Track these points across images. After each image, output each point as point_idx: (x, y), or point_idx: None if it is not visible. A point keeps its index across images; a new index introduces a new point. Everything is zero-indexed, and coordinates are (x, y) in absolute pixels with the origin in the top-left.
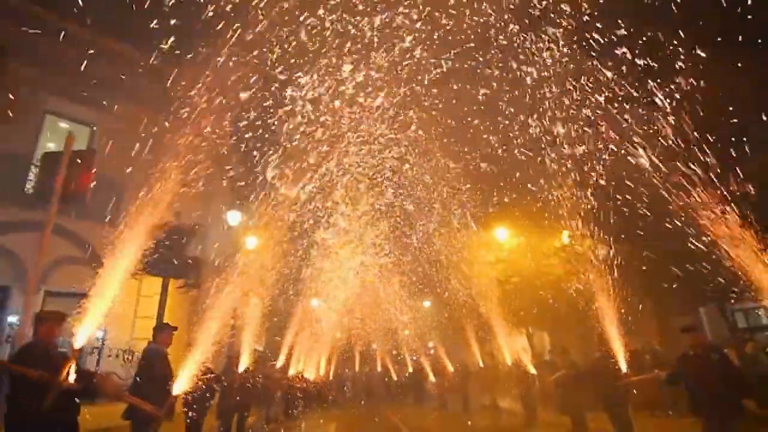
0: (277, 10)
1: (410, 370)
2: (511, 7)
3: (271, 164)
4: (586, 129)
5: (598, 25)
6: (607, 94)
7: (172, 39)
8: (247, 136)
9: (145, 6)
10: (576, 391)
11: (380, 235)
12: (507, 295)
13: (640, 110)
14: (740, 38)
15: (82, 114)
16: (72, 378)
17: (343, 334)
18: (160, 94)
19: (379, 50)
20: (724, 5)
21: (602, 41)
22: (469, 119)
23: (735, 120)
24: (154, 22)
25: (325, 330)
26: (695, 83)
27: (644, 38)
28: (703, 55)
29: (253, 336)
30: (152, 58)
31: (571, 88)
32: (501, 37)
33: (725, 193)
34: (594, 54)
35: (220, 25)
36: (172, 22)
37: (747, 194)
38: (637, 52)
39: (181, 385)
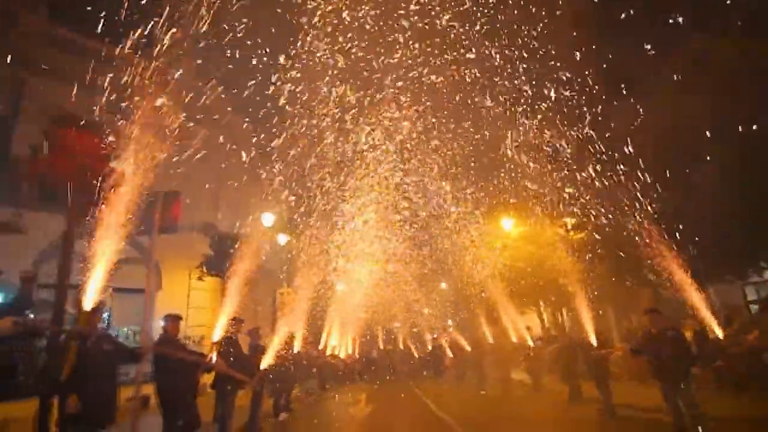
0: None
1: (429, 347)
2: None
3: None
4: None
5: None
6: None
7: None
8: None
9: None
10: (571, 363)
11: (398, 225)
12: (513, 278)
13: None
14: None
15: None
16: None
17: (368, 316)
18: (192, 105)
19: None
20: None
21: None
22: (474, 131)
23: None
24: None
25: (352, 312)
26: None
27: None
28: None
29: (298, 321)
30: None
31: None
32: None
33: None
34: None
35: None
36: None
37: None
38: None
39: (266, 362)
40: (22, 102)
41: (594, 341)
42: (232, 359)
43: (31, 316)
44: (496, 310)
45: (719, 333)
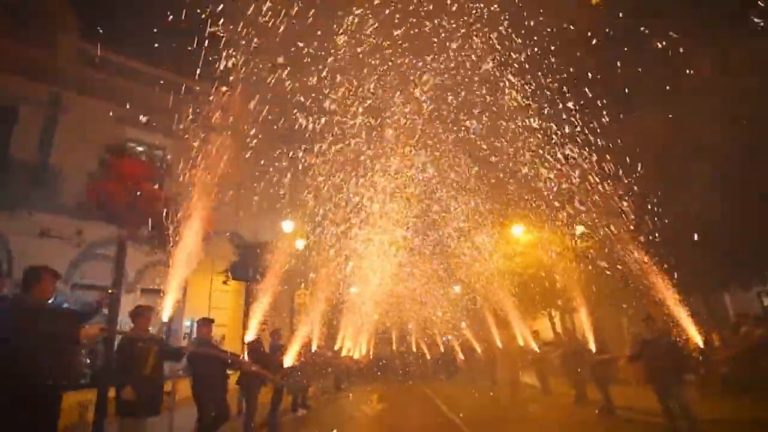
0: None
1: (441, 350)
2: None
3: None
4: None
5: None
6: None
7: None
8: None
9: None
10: (577, 366)
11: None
12: (524, 283)
13: None
14: None
15: (156, 140)
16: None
17: (381, 318)
18: (220, 119)
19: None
20: None
21: None
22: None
23: None
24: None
25: (366, 314)
26: None
27: None
28: None
29: (314, 322)
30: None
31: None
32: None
33: None
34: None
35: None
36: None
37: None
38: None
39: (289, 360)
40: (60, 117)
41: (593, 347)
42: (257, 358)
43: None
44: (506, 315)
45: (699, 342)
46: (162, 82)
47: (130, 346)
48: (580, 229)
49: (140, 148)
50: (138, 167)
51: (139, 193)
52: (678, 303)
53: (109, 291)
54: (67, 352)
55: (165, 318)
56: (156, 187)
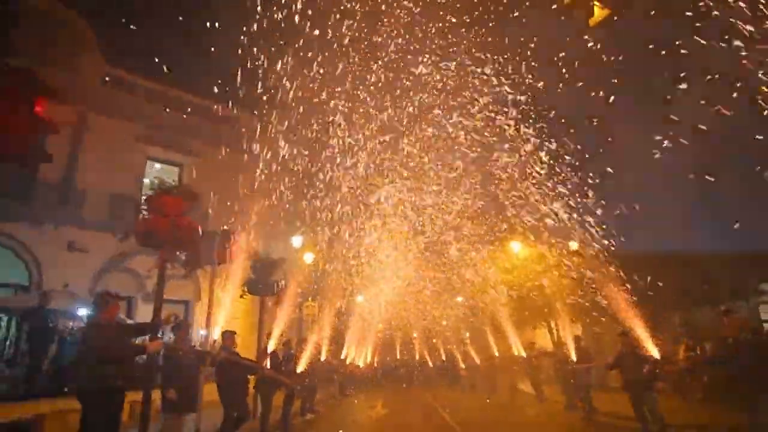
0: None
1: (443, 358)
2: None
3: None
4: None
5: None
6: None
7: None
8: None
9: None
10: (567, 374)
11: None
12: (523, 296)
13: None
14: None
15: (173, 157)
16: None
17: (386, 328)
18: (235, 137)
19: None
20: None
21: None
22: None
23: None
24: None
25: (371, 324)
26: None
27: None
28: None
29: (322, 332)
30: (230, 106)
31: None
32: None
33: None
34: None
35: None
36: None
37: None
38: None
39: (299, 368)
40: (84, 136)
41: (573, 356)
42: (274, 366)
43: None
44: (504, 325)
45: (656, 354)
46: (183, 103)
47: (174, 355)
48: (573, 245)
49: (157, 166)
50: (178, 204)
51: (178, 225)
52: (645, 319)
53: (174, 316)
54: (130, 360)
55: (197, 330)
56: (191, 219)
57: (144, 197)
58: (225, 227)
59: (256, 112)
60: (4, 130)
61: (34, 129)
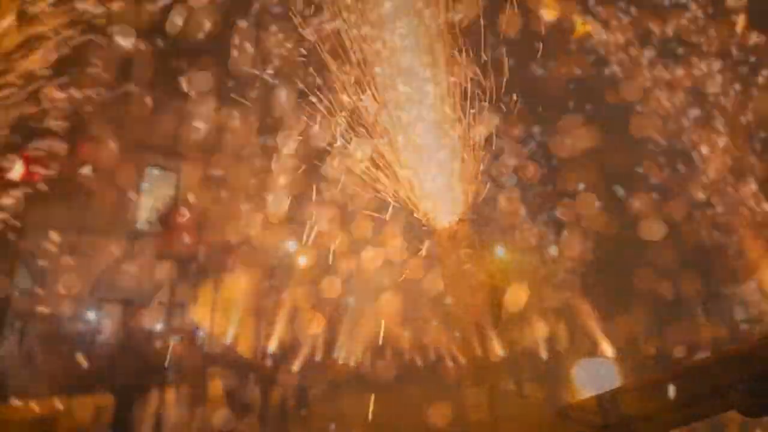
0: None
1: (433, 357)
2: None
3: None
4: None
5: None
6: None
7: None
8: None
9: None
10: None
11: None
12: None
13: None
14: None
15: (169, 163)
16: None
17: (378, 327)
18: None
19: None
20: None
21: None
22: None
23: None
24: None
25: (364, 325)
26: None
27: None
28: None
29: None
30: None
31: None
32: None
33: None
34: None
35: None
36: None
37: None
38: None
39: (296, 365)
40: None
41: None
42: (275, 364)
43: None
44: (489, 324)
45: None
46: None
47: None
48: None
49: (155, 171)
50: (188, 221)
51: (187, 238)
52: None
53: (196, 327)
54: (154, 362)
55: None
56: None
57: None
58: None
59: None
60: None
61: None
